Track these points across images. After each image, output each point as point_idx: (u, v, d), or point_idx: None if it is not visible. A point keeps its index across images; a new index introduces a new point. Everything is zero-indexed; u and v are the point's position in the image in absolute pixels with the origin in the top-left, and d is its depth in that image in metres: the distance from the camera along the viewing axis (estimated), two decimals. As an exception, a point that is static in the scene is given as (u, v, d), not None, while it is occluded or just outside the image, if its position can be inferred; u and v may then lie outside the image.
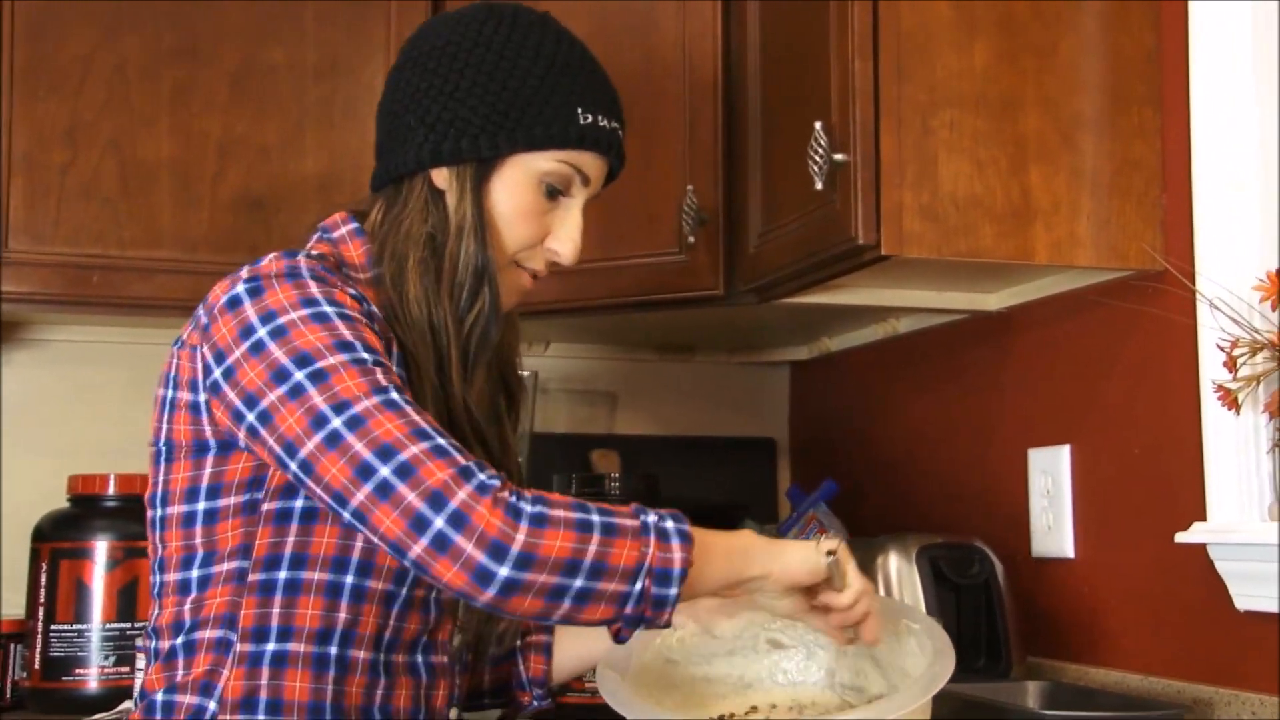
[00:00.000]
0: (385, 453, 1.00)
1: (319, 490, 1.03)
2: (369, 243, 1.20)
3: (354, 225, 1.22)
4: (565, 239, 1.23)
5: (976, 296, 1.85)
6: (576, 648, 1.33)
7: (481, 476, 1.00)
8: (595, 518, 1.01)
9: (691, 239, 1.81)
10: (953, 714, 1.43)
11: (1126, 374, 1.62)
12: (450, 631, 1.19)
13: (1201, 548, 1.45)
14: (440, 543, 0.98)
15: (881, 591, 1.66)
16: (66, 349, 2.19)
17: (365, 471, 1.00)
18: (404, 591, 1.13)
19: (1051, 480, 1.73)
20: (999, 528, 1.83)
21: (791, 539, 1.17)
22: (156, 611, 1.13)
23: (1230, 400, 1.33)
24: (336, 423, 1.01)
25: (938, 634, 1.26)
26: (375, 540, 1.01)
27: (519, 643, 1.34)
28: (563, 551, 0.99)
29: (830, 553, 1.15)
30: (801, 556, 1.14)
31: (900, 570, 1.66)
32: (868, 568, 1.69)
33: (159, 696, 1.10)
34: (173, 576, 1.12)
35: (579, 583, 1.00)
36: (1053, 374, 1.76)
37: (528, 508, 0.99)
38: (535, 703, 1.34)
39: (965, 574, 1.67)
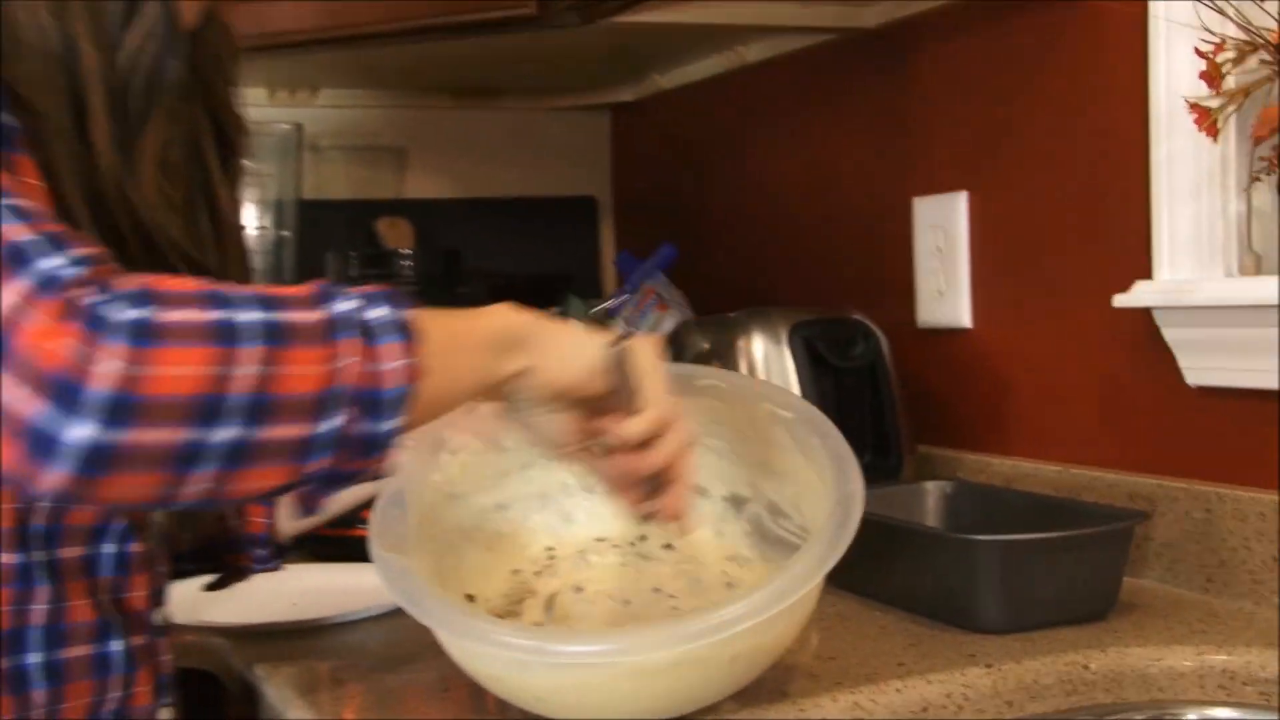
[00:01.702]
0: None
1: None
2: None
3: None
4: None
5: (849, 10, 1.51)
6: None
7: (48, 262, 0.60)
8: (244, 316, 0.63)
9: (490, -63, 1.40)
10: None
11: (1047, 96, 1.31)
12: None
13: (1144, 313, 1.18)
14: None
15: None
16: None
17: None
18: None
19: (944, 235, 1.44)
20: (877, 296, 1.53)
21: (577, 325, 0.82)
22: None
23: (1208, 123, 1.03)
24: None
25: (822, 426, 0.95)
26: None
27: None
28: (190, 384, 0.59)
29: (618, 343, 0.80)
30: (577, 346, 0.79)
31: (768, 354, 1.36)
32: (726, 353, 1.38)
33: None
34: None
35: (225, 433, 0.61)
36: (948, 102, 1.44)
37: (123, 313, 0.60)
38: (257, 566, 1.00)
39: (847, 355, 1.37)
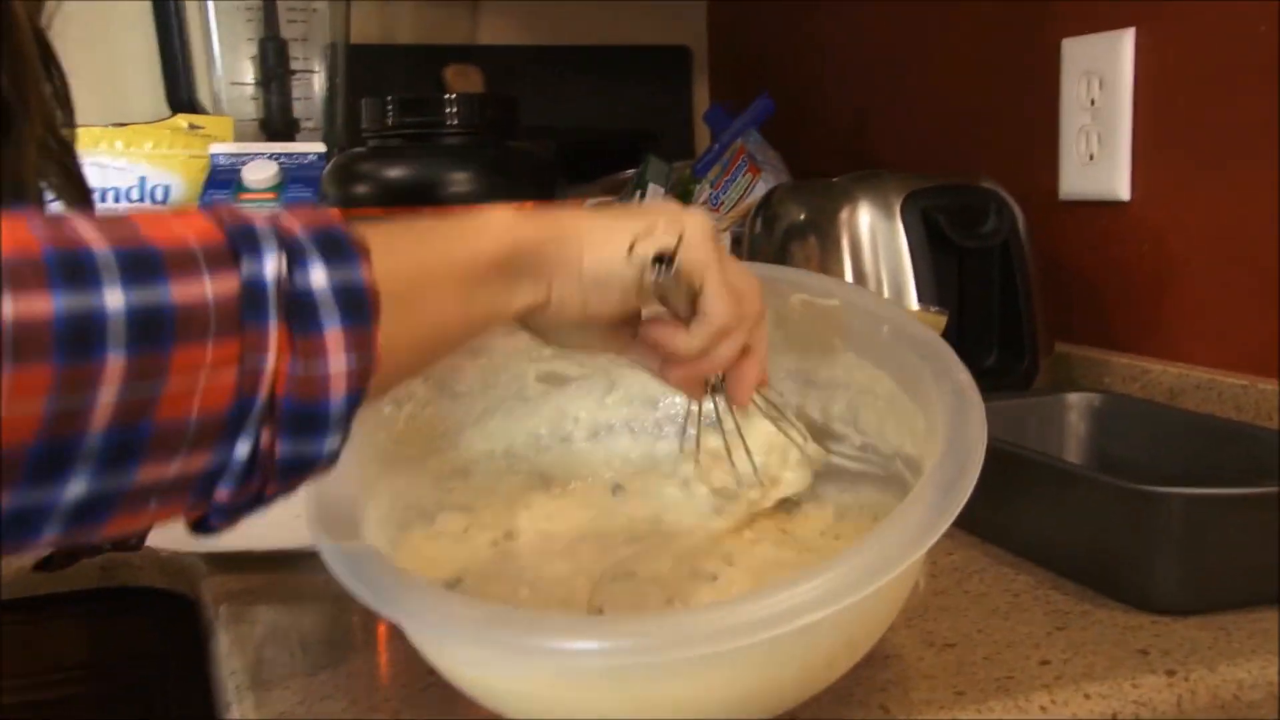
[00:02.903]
0: None
1: None
2: None
3: None
4: None
5: None
6: None
7: None
8: (112, 295, 0.35)
9: None
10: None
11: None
12: None
13: (1380, 185, 0.83)
14: None
15: (847, 264, 1.04)
16: None
17: None
18: None
19: (1100, 84, 1.09)
20: (1011, 161, 1.20)
21: (619, 206, 0.57)
22: None
23: None
24: None
25: (888, 310, 0.68)
26: None
27: None
28: (26, 433, 0.34)
29: (663, 259, 0.55)
30: (608, 260, 0.54)
31: (876, 228, 1.04)
32: (826, 224, 1.06)
33: None
34: None
35: (75, 489, 0.36)
36: (1112, -82, 1.08)
37: None
38: (108, 545, 0.72)
39: (975, 231, 1.04)
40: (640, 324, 0.59)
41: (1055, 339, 1.11)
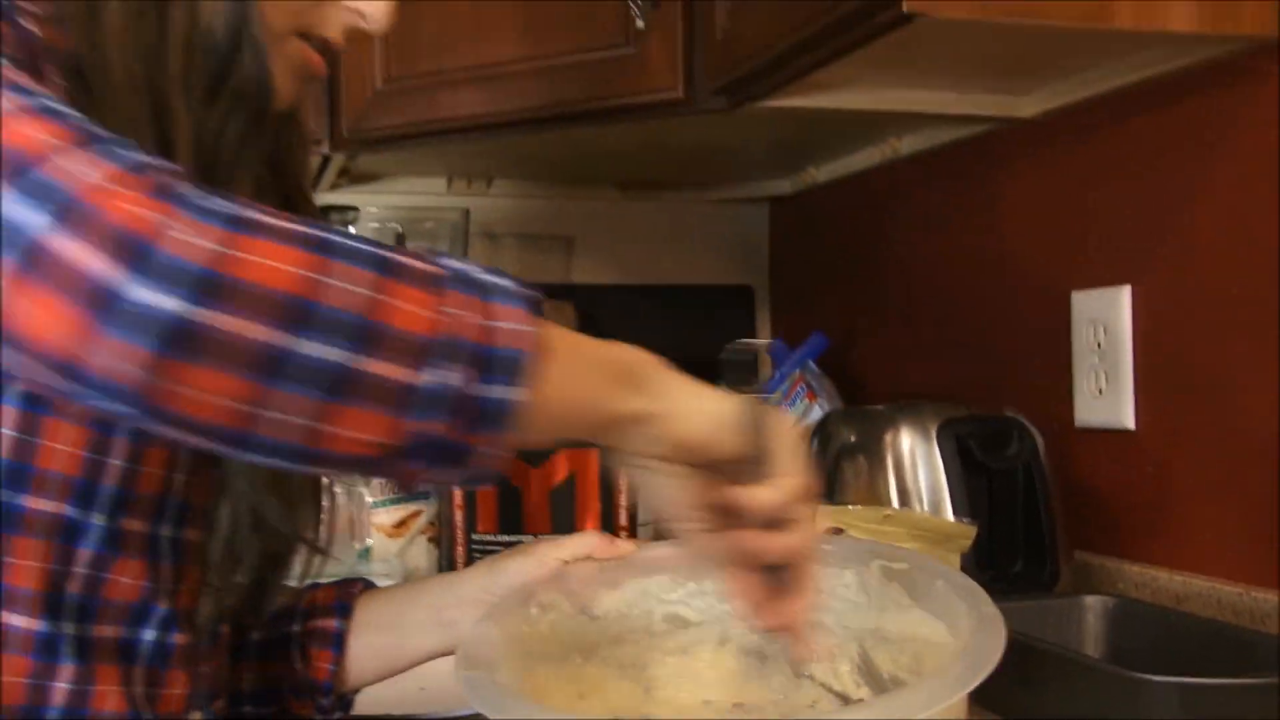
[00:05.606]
0: None
1: None
2: None
3: None
4: None
5: (1007, 100, 1.31)
6: (385, 639, 0.81)
7: (133, 153, 0.49)
8: (350, 241, 0.51)
9: (642, 24, 1.26)
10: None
11: (1220, 183, 1.09)
12: (197, 591, 0.67)
13: (1340, 422, 0.94)
14: (31, 258, 0.45)
15: (891, 482, 1.16)
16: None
17: None
18: (99, 520, 0.60)
19: (1104, 330, 1.22)
20: (1032, 393, 1.32)
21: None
22: None
23: None
24: None
25: (941, 569, 0.74)
26: None
27: (297, 628, 0.82)
28: (285, 279, 0.47)
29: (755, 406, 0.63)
30: (708, 399, 0.61)
31: (915, 450, 1.16)
32: (872, 447, 1.18)
33: None
34: None
35: (317, 348, 0.47)
36: (1110, 191, 1.23)
37: (217, 203, 0.48)
38: (318, 717, 0.83)
39: (1000, 454, 1.16)
40: (720, 494, 0.63)
41: (1075, 548, 1.21)
